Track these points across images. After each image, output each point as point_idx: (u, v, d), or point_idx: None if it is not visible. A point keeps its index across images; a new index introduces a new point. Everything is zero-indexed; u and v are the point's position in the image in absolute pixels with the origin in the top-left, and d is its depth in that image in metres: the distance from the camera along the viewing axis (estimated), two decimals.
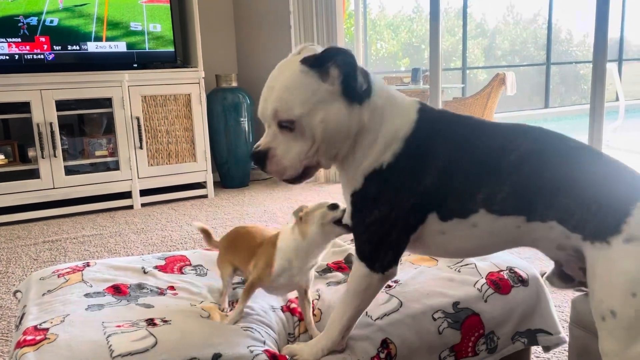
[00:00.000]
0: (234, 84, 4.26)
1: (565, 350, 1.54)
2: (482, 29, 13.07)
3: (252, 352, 1.08)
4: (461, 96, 7.52)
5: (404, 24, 13.32)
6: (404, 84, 5.82)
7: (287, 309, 1.35)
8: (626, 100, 7.32)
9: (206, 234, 1.47)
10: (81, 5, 3.56)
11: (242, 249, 1.33)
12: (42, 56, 3.49)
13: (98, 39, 3.64)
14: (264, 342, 1.15)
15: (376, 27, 12.78)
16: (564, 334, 1.37)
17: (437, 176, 0.99)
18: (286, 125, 1.00)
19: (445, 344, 1.26)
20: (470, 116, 1.08)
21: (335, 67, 0.98)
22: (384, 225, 1.02)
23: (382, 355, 1.17)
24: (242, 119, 4.22)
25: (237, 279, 1.43)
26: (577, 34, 12.78)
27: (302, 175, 1.06)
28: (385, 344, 1.18)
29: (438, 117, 1.05)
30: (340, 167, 1.09)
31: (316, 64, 0.99)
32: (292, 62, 1.03)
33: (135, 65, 3.73)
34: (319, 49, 1.05)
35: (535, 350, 1.62)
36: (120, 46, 3.70)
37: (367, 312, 1.23)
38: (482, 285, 1.34)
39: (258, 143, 1.05)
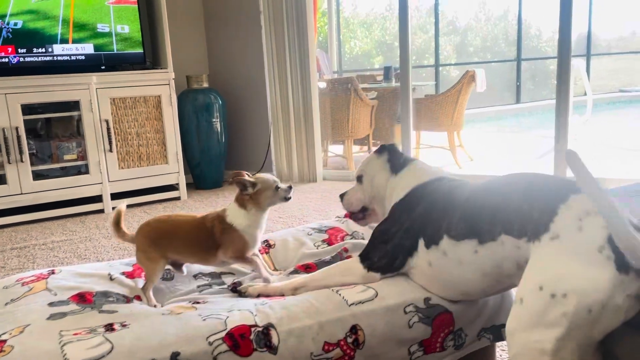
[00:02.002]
0: (205, 85, 4.23)
1: None
2: (454, 26, 13.21)
3: (211, 343, 1.08)
4: (434, 93, 7.59)
5: (377, 22, 13.38)
6: (377, 82, 5.85)
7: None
8: (594, 95, 7.49)
9: (118, 218, 1.46)
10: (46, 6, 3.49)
11: (179, 239, 1.40)
12: (6, 59, 3.41)
13: (64, 41, 3.57)
14: (225, 325, 1.13)
15: (349, 26, 12.81)
16: None
17: (422, 212, 1.33)
18: (359, 178, 1.56)
19: (415, 338, 1.27)
20: (453, 185, 1.35)
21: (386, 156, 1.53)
22: (384, 234, 1.37)
23: (350, 340, 1.18)
24: (214, 120, 4.19)
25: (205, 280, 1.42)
26: (546, 30, 13.01)
27: (362, 212, 1.58)
28: (354, 329, 1.20)
29: (430, 188, 1.38)
30: (381, 206, 1.53)
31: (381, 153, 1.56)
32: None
33: (103, 67, 3.68)
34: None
35: (502, 344, 1.65)
36: (88, 48, 3.64)
37: (343, 296, 1.26)
38: None
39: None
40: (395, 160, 1.51)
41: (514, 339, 1.00)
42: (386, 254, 1.34)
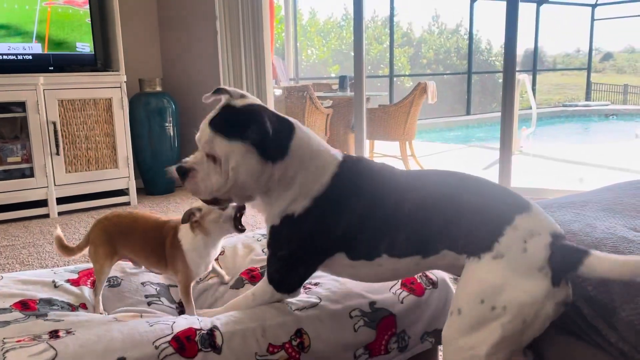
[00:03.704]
0: (159, 89, 4.17)
1: None
2: (409, 38, 13.52)
3: (157, 347, 1.08)
4: (388, 103, 7.74)
5: (334, 31, 13.53)
6: (333, 91, 5.91)
7: None
8: (539, 109, 7.81)
9: (60, 243, 1.43)
10: None
11: (135, 237, 1.36)
12: None
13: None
14: (172, 329, 1.14)
15: (307, 34, 12.90)
16: None
17: (347, 227, 1.14)
18: (211, 156, 1.13)
19: (361, 342, 1.30)
20: (382, 169, 1.20)
21: (250, 133, 1.10)
22: (293, 259, 1.19)
23: (295, 343, 1.21)
24: (166, 124, 4.14)
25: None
26: (496, 45, 13.50)
27: (213, 202, 1.20)
28: (299, 333, 1.22)
29: (352, 178, 1.17)
30: (257, 206, 1.24)
31: (233, 125, 1.12)
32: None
33: (52, 68, 3.57)
34: (247, 94, 1.21)
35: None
36: (35, 48, 3.53)
37: (286, 302, 1.27)
38: (397, 290, 1.39)
39: (186, 159, 1.16)
40: (261, 142, 1.09)
41: (450, 345, 1.06)
42: (299, 274, 1.21)
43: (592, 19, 12.88)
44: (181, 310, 1.46)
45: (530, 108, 7.04)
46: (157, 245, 1.37)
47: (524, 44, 11.95)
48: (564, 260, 1.00)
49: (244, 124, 1.10)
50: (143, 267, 1.49)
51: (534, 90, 8.21)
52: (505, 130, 3.69)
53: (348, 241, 1.15)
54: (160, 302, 1.47)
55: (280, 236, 1.17)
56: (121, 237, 1.37)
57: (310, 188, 1.14)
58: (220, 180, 1.12)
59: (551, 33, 13.86)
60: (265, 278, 1.24)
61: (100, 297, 1.38)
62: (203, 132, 1.14)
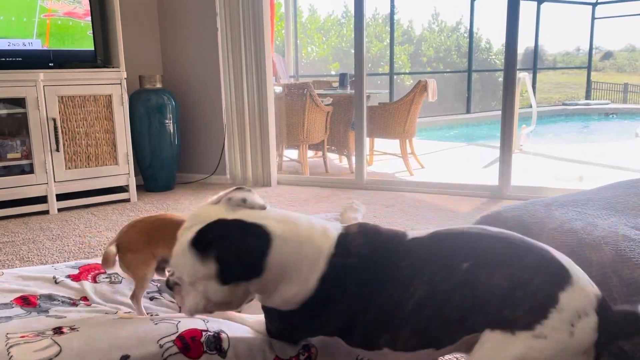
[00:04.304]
0: (159, 86, 4.17)
1: None
2: (409, 36, 13.52)
3: (162, 346, 1.08)
4: (388, 101, 7.74)
5: (335, 29, 13.52)
6: (333, 89, 5.91)
7: None
8: (539, 107, 7.81)
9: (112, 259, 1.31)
10: None
11: (174, 237, 1.27)
12: None
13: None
14: (177, 328, 1.14)
15: (307, 31, 12.89)
16: None
17: (338, 324, 1.03)
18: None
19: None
20: (388, 245, 1.04)
21: (213, 257, 0.97)
22: (287, 332, 1.13)
23: (302, 358, 1.20)
24: (166, 121, 4.13)
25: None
26: (496, 43, 13.49)
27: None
28: (307, 347, 1.21)
29: (344, 275, 1.01)
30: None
31: (197, 245, 0.98)
32: (187, 229, 1.03)
33: (52, 64, 3.57)
34: (251, 197, 1.06)
35: None
36: (35, 44, 3.53)
37: None
38: None
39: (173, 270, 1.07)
40: (226, 267, 0.98)
41: None
42: (297, 340, 1.17)
43: (593, 18, 12.88)
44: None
45: (531, 107, 7.04)
46: None
47: (524, 43, 11.95)
48: (609, 339, 0.92)
49: (205, 247, 0.98)
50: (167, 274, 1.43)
51: (534, 88, 8.20)
52: (506, 128, 3.69)
53: (342, 332, 1.04)
54: (161, 298, 1.47)
55: (270, 314, 1.11)
56: (158, 242, 1.29)
57: (294, 295, 1.01)
58: (198, 301, 1.02)
59: (551, 31, 13.86)
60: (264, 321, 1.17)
61: (142, 302, 1.32)
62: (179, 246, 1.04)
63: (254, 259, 0.99)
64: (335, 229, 1.06)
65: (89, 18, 3.68)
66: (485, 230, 1.03)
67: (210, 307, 1.04)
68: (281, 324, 1.11)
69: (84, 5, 3.67)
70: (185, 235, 1.01)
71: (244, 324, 1.23)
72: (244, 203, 1.04)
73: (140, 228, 1.31)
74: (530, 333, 0.89)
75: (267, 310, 1.11)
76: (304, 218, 1.06)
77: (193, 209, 3.54)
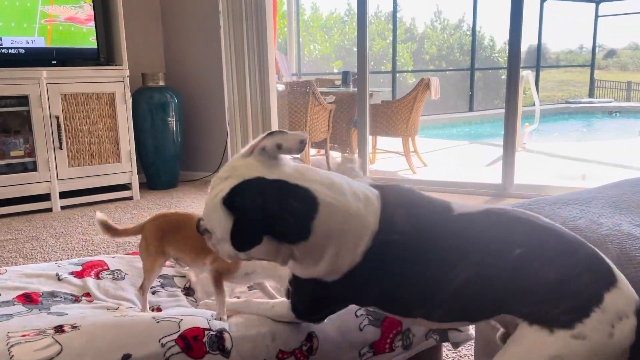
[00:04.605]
0: (161, 83, 4.16)
1: (471, 345, 1.64)
2: (412, 34, 13.48)
3: (163, 345, 1.08)
4: (391, 99, 7.73)
5: (337, 26, 13.50)
6: (335, 87, 5.90)
7: None
8: (542, 105, 7.79)
9: (105, 226, 1.37)
10: None
11: (185, 237, 1.29)
12: None
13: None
14: (179, 327, 1.13)
15: (309, 29, 12.87)
16: (472, 331, 1.46)
17: (378, 295, 1.02)
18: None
19: (366, 341, 1.30)
20: (432, 216, 1.02)
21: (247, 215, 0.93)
22: (317, 306, 1.10)
23: (305, 348, 1.20)
24: (169, 119, 4.13)
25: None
26: (499, 41, 13.45)
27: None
28: (310, 337, 1.21)
29: (388, 248, 0.97)
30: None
31: (229, 204, 0.94)
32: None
33: (55, 62, 3.57)
34: (286, 140, 0.98)
35: (447, 345, 1.71)
36: (38, 42, 3.53)
37: None
38: None
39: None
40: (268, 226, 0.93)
41: None
42: (322, 317, 1.15)
43: (596, 16, 12.83)
44: (187, 293, 1.46)
45: (534, 105, 7.02)
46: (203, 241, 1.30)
47: (527, 41, 11.93)
48: None
49: (234, 207, 0.94)
50: (186, 267, 1.44)
51: (537, 86, 8.18)
52: (509, 126, 3.68)
53: (378, 303, 1.04)
54: (164, 290, 1.47)
55: (303, 289, 1.07)
56: (170, 239, 1.32)
57: (340, 264, 0.98)
58: (232, 250, 0.96)
59: (555, 29, 13.82)
60: (288, 302, 1.15)
61: (148, 296, 1.34)
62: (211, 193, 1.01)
63: (301, 223, 0.94)
64: (375, 198, 1.00)
65: (92, 23, 3.68)
66: (539, 219, 1.01)
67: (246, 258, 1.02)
68: (313, 298, 1.07)
69: (86, 11, 3.66)
70: (219, 189, 0.96)
71: (247, 309, 1.23)
72: (279, 150, 0.98)
73: (157, 223, 1.34)
74: (570, 333, 0.87)
75: (299, 284, 1.06)
76: (346, 184, 1.00)
77: (195, 207, 3.55)
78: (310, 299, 1.09)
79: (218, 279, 1.26)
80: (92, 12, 3.67)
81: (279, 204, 0.92)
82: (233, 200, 0.94)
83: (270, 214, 0.92)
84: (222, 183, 0.97)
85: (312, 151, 5.51)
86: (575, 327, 0.87)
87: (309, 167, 1.01)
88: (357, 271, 0.98)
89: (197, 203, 3.69)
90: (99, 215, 1.39)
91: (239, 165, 0.99)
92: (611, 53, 15.20)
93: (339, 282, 1.00)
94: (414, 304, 1.00)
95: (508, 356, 0.91)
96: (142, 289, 1.34)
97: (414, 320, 1.04)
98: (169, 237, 1.32)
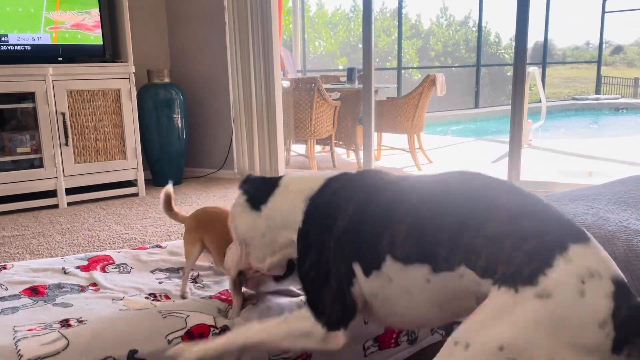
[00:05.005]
0: (167, 80, 4.17)
1: None
2: (417, 30, 13.44)
3: (170, 342, 1.08)
4: (396, 96, 7.70)
5: (342, 23, 13.47)
6: (340, 83, 5.89)
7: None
8: (549, 102, 7.75)
9: (167, 199, 1.51)
10: None
11: (217, 232, 1.37)
12: None
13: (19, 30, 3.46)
14: (186, 323, 1.14)
15: (314, 25, 12.85)
16: None
17: (346, 226, 1.02)
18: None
19: (370, 334, 1.30)
20: (381, 181, 1.08)
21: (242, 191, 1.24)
22: (319, 269, 1.05)
23: None
24: (175, 116, 4.14)
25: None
26: (505, 37, 13.39)
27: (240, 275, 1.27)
28: None
29: (338, 189, 1.10)
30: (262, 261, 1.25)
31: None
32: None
33: (61, 58, 3.58)
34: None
35: None
36: (44, 38, 3.54)
37: (302, 299, 1.26)
38: None
39: None
40: (253, 192, 1.19)
41: None
42: (335, 296, 1.03)
43: (603, 12, 12.74)
44: (194, 280, 1.47)
45: (540, 101, 6.98)
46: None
47: (533, 37, 11.85)
48: (632, 321, 0.74)
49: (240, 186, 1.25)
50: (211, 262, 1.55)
51: (543, 83, 8.14)
52: (515, 123, 3.66)
53: (355, 241, 1.00)
54: (171, 281, 1.48)
55: (300, 252, 1.11)
56: (204, 230, 1.44)
57: (292, 207, 1.13)
58: (238, 249, 1.20)
59: (561, 25, 13.74)
60: (306, 313, 1.07)
61: (188, 280, 1.45)
62: None
63: (265, 190, 1.20)
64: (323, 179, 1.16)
65: (99, 30, 3.68)
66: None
67: (245, 260, 1.21)
68: (311, 262, 1.07)
69: (94, 17, 3.66)
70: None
71: (278, 330, 1.09)
72: None
73: (196, 215, 1.49)
74: (533, 291, 0.75)
75: (299, 261, 1.10)
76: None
77: (200, 203, 3.55)
78: (310, 266, 1.08)
79: (237, 283, 1.29)
80: (99, 18, 3.67)
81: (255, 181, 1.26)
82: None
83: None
84: None
85: (317, 148, 5.51)
86: (538, 282, 0.75)
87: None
88: (312, 208, 1.10)
89: (202, 199, 3.70)
90: (169, 187, 1.54)
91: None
92: (618, 49, 15.09)
93: (307, 215, 1.10)
94: (378, 227, 0.97)
95: (473, 317, 0.81)
96: (183, 273, 1.45)
97: (387, 269, 0.96)
98: (203, 229, 1.44)
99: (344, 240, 1.01)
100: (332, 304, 1.03)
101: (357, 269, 1.00)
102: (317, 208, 1.08)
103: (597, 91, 13.32)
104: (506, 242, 0.80)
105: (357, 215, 1.01)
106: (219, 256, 1.35)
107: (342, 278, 1.02)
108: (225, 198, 3.73)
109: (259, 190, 1.18)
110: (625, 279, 0.80)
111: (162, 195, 1.52)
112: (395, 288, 0.96)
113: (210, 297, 1.34)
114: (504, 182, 0.94)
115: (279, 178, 1.20)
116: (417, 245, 0.91)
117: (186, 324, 1.14)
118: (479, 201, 0.88)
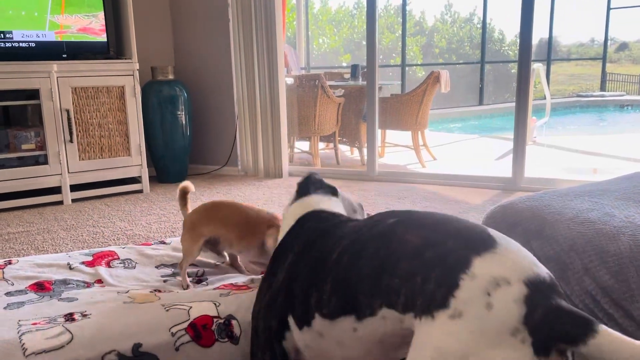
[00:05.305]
0: (171, 77, 4.17)
1: None
2: (421, 27, 13.40)
3: (174, 334, 1.08)
4: (400, 93, 7.69)
5: (346, 20, 13.45)
6: (344, 80, 5.88)
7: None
8: (553, 99, 7.72)
9: (184, 193, 1.56)
10: None
11: (233, 223, 1.46)
12: None
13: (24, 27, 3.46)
14: (189, 315, 1.14)
15: (318, 22, 12.83)
16: None
17: (285, 274, 1.06)
18: None
19: None
20: (324, 226, 1.10)
21: None
22: (260, 304, 1.10)
23: None
24: (179, 112, 4.14)
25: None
26: (509, 34, 13.34)
27: None
28: None
29: (303, 227, 1.13)
30: None
31: None
32: None
33: (65, 55, 3.58)
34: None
35: None
36: (49, 35, 3.54)
37: None
38: None
39: None
40: (302, 187, 1.24)
41: None
42: (263, 348, 1.08)
43: (608, 8, 12.67)
44: (199, 279, 1.48)
45: (544, 98, 6.95)
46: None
47: (538, 34, 11.80)
48: (549, 323, 0.74)
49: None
50: (226, 257, 1.62)
51: (548, 80, 8.10)
52: (520, 120, 3.65)
53: (289, 294, 1.04)
54: (175, 279, 1.48)
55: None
56: (216, 222, 1.50)
57: (285, 225, 1.19)
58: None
59: (565, 22, 13.68)
60: None
61: (186, 271, 1.49)
62: None
63: (312, 185, 1.25)
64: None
65: (105, 35, 3.69)
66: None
67: None
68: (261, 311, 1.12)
69: (101, 20, 3.66)
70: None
71: None
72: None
73: (196, 211, 1.52)
74: (447, 313, 0.77)
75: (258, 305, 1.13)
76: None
77: (204, 200, 3.55)
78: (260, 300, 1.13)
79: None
80: (104, 20, 3.68)
81: None
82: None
83: None
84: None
85: (321, 145, 5.50)
86: (449, 304, 0.77)
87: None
88: (286, 237, 1.15)
89: (206, 196, 3.71)
90: (188, 183, 1.59)
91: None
92: (623, 46, 15.01)
93: (279, 246, 1.14)
94: (308, 285, 0.99)
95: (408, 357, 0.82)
96: (180, 267, 1.50)
97: (316, 326, 0.98)
98: (207, 221, 1.49)
99: (281, 289, 1.06)
100: (262, 355, 1.09)
101: (291, 321, 1.04)
102: (285, 241, 1.14)
103: (602, 88, 13.26)
104: (417, 278, 0.83)
105: (292, 268, 1.05)
106: (236, 238, 1.46)
107: (272, 332, 1.06)
108: (229, 195, 3.73)
109: (298, 191, 1.23)
110: (544, 277, 0.79)
111: (179, 189, 1.58)
112: (327, 341, 0.98)
113: (214, 289, 1.34)
114: (412, 213, 0.97)
115: (307, 190, 1.22)
116: (341, 299, 0.94)
117: (189, 315, 1.15)
118: (390, 242, 0.90)
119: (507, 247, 0.82)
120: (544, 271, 0.80)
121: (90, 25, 3.61)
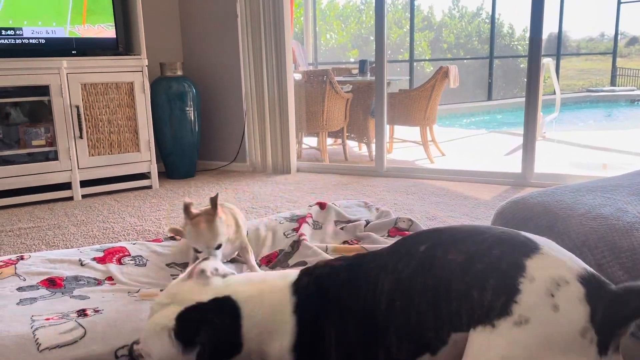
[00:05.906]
0: (179, 73, 4.18)
1: None
2: (429, 22, 13.33)
3: None
4: (408, 88, 7.66)
5: (354, 15, 13.40)
6: (352, 76, 5.87)
7: None
8: (563, 94, 7.66)
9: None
10: None
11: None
12: None
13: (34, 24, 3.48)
14: None
15: (326, 18, 12.80)
16: None
17: (335, 345, 0.94)
18: None
19: None
20: (348, 271, 0.99)
21: (197, 346, 0.91)
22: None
23: None
24: (187, 109, 4.15)
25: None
26: (518, 29, 13.24)
27: None
28: None
29: (315, 300, 0.98)
30: None
31: (180, 336, 0.92)
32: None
33: (74, 52, 3.60)
34: (220, 265, 1.05)
35: None
36: (58, 32, 3.56)
37: None
38: None
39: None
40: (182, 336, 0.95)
41: None
42: None
43: (619, 2, 12.54)
44: None
45: (554, 93, 6.90)
46: None
47: (547, 28, 11.70)
48: (613, 315, 0.73)
49: (188, 338, 0.95)
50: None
51: (557, 75, 8.04)
52: (529, 115, 3.63)
53: (342, 353, 0.93)
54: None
55: None
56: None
57: (281, 347, 0.97)
58: None
59: (575, 17, 13.55)
60: None
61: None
62: None
63: (234, 339, 0.94)
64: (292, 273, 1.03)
65: (115, 31, 3.73)
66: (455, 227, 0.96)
67: None
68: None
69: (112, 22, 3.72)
70: (162, 317, 0.94)
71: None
72: (217, 272, 1.01)
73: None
74: (510, 320, 0.75)
75: None
76: (259, 274, 1.11)
77: (206, 200, 3.56)
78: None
79: None
80: (113, 18, 3.72)
81: (217, 328, 0.93)
82: (185, 330, 0.93)
83: (212, 342, 0.92)
84: (163, 313, 0.95)
85: (329, 141, 5.50)
86: (512, 310, 0.75)
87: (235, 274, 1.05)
88: (300, 337, 0.96)
89: (214, 192, 3.71)
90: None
91: (177, 291, 0.98)
92: (633, 41, 14.85)
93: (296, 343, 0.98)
94: (367, 345, 0.91)
95: None
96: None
97: None
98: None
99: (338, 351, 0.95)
100: None
101: None
102: (304, 335, 1.00)
103: (612, 83, 13.14)
104: (473, 292, 0.81)
105: (339, 325, 0.94)
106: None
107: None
108: (238, 190, 3.74)
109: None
110: (590, 271, 0.78)
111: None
112: None
113: None
114: (439, 233, 0.93)
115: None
116: (412, 343, 0.89)
117: None
118: (434, 268, 0.87)
119: (550, 246, 0.82)
120: (586, 265, 0.80)
121: (108, 36, 3.69)
